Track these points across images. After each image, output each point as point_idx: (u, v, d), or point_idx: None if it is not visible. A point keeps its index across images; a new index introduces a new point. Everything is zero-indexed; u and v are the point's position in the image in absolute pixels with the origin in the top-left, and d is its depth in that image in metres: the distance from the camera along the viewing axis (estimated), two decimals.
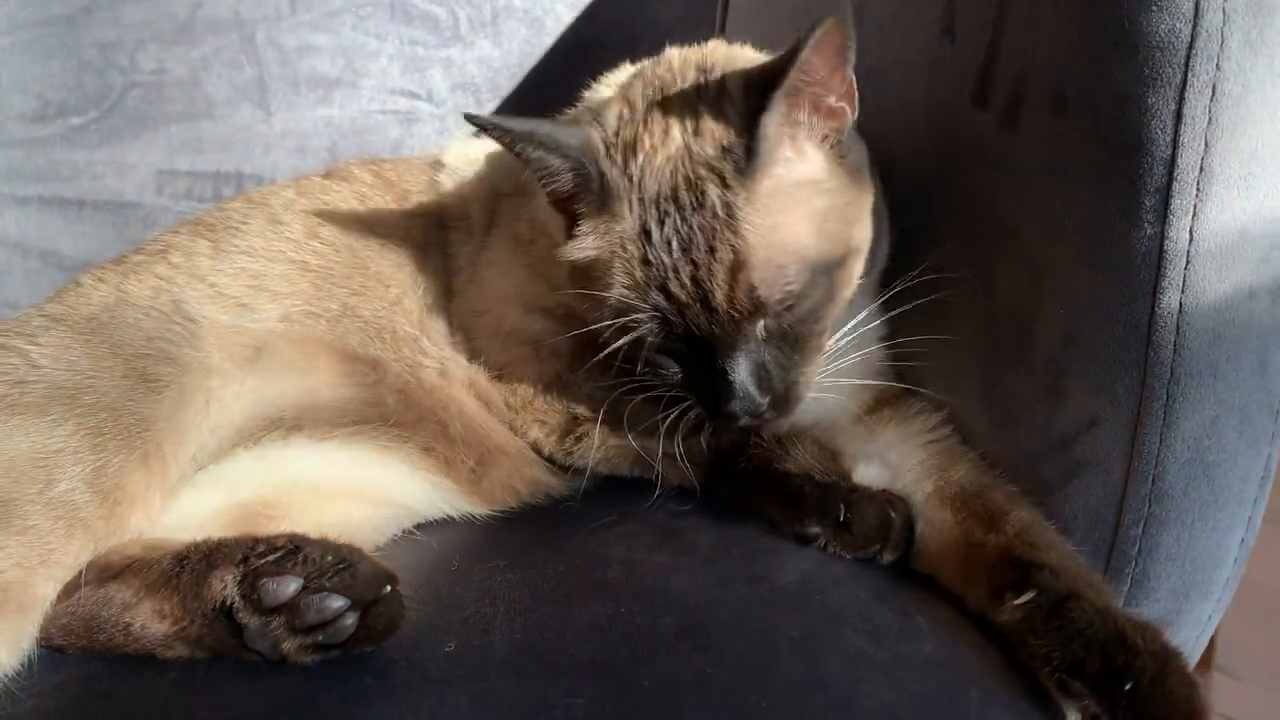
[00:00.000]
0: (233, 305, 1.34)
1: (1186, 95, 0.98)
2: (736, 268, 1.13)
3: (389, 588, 0.97)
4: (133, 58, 1.84)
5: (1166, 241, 1.01)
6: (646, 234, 1.16)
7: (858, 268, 1.22)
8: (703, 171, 1.15)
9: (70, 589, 1.06)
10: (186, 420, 1.20)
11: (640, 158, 1.18)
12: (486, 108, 2.01)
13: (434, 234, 1.46)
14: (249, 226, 1.42)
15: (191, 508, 1.21)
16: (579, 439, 1.36)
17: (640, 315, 1.17)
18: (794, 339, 1.19)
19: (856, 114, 1.20)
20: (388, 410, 1.32)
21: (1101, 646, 0.97)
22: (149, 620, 1.01)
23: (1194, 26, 0.97)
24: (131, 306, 1.30)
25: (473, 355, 1.39)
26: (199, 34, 1.86)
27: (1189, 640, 1.14)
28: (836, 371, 1.25)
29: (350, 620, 0.94)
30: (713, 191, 1.14)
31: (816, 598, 1.09)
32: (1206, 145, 0.99)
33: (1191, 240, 1.01)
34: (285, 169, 1.92)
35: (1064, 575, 1.04)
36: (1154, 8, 0.98)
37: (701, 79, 1.22)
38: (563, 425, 1.37)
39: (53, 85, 1.81)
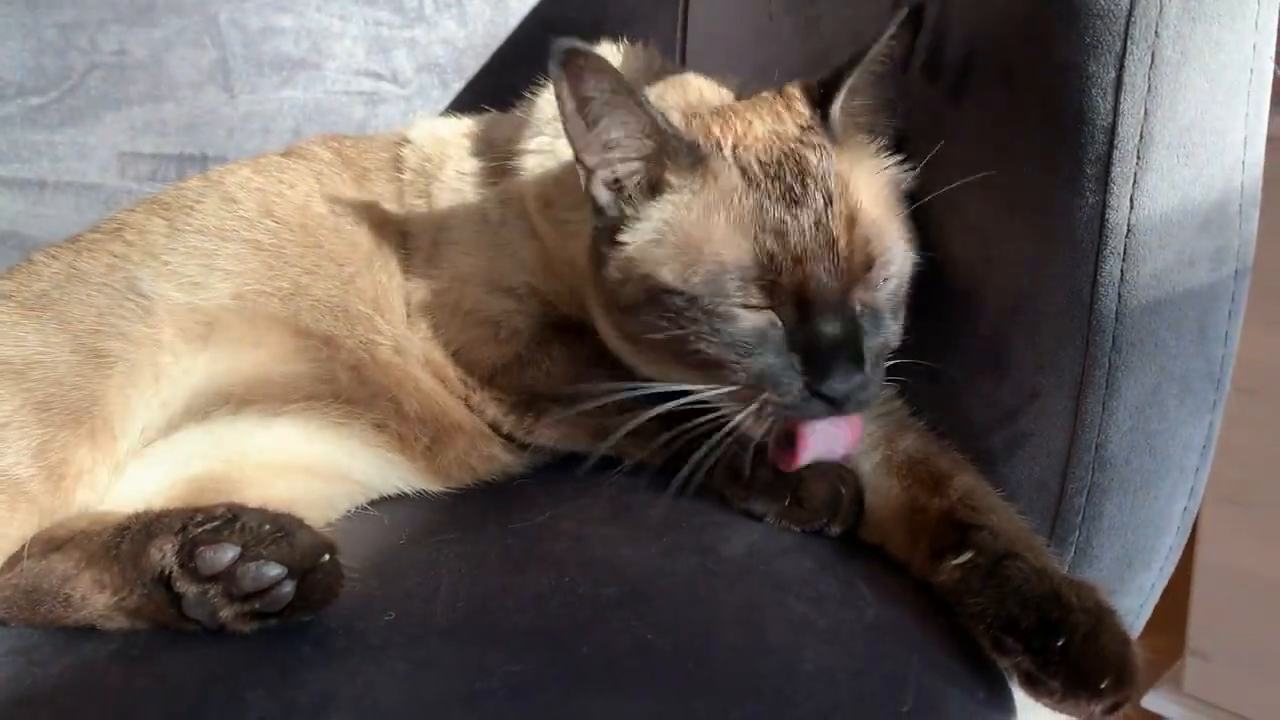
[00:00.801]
0: (186, 283, 1.33)
1: (1126, 63, 0.99)
2: (852, 221, 1.13)
3: (327, 556, 0.96)
4: (93, 38, 1.83)
5: (1108, 210, 1.02)
6: (756, 186, 1.14)
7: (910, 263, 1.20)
8: (795, 145, 1.16)
9: (13, 562, 1.06)
10: (135, 396, 1.21)
11: (730, 136, 1.18)
12: (451, 89, 2.00)
13: (391, 213, 1.46)
14: (203, 205, 1.42)
15: (141, 482, 1.21)
16: (537, 416, 1.35)
17: (744, 268, 1.11)
18: (881, 324, 1.15)
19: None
20: (340, 387, 1.32)
21: (1036, 604, 0.97)
22: (89, 591, 1.00)
23: None
24: (84, 283, 1.30)
25: (430, 334, 1.39)
26: (161, 15, 1.85)
27: (1133, 608, 1.15)
28: None
29: (287, 588, 0.94)
30: (812, 157, 1.15)
31: (762, 568, 1.09)
32: (1146, 113, 0.99)
33: (1132, 208, 1.01)
34: (250, 151, 1.90)
35: (1003, 536, 1.04)
36: None
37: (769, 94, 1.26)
38: (521, 403, 1.36)
39: (11, 66, 1.79)
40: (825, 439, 1.13)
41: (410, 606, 0.99)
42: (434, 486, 1.34)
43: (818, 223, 1.11)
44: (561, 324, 1.34)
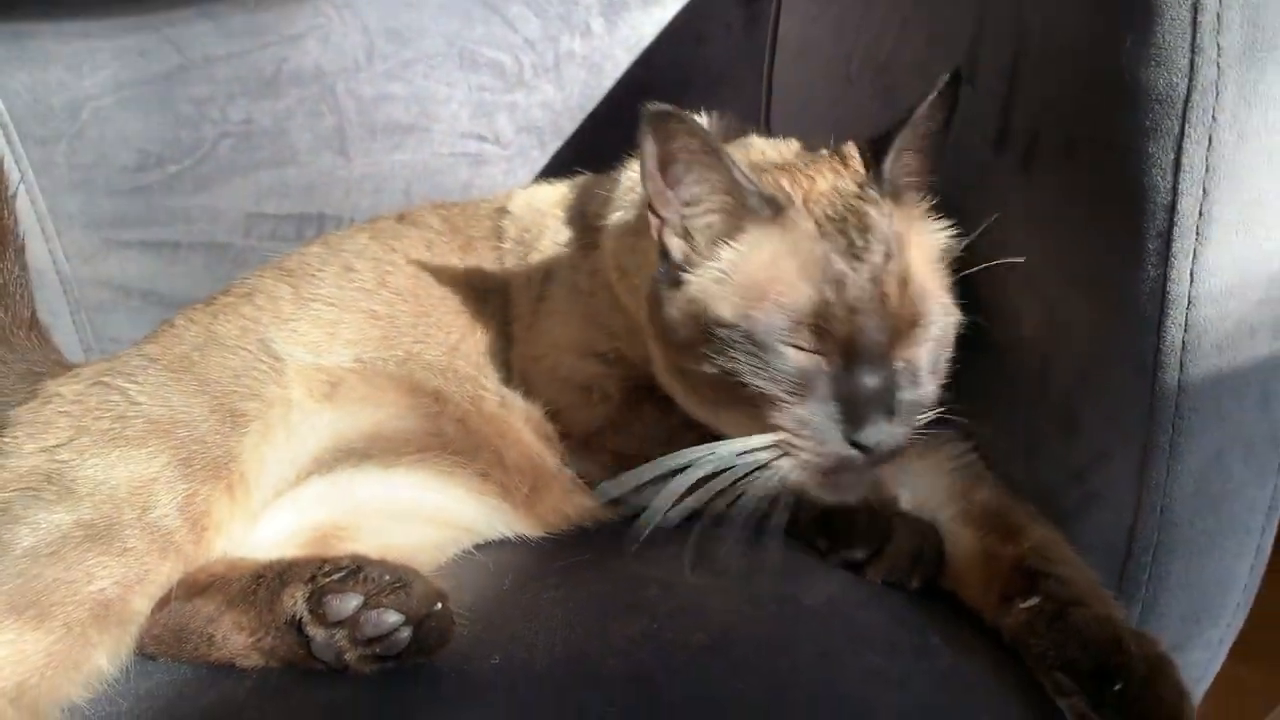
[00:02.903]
0: (313, 346, 1.46)
1: (1184, 145, 1.04)
2: (904, 280, 1.21)
3: (440, 605, 1.07)
4: (224, 110, 1.99)
5: (1169, 283, 1.06)
6: (826, 237, 1.22)
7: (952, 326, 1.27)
8: (856, 201, 1.26)
9: (162, 603, 1.18)
10: (269, 453, 1.32)
11: (799, 191, 1.28)
12: (549, 149, 2.12)
13: (494, 281, 1.57)
14: (325, 273, 1.55)
15: (271, 529, 1.32)
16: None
17: (802, 311, 1.19)
18: (917, 379, 1.23)
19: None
20: (448, 439, 1.42)
21: (1096, 648, 1.02)
22: (229, 632, 1.12)
23: (1189, 81, 1.02)
24: (220, 346, 1.43)
25: (530, 397, 1.49)
26: (284, 87, 2.00)
27: (1199, 663, 1.19)
28: None
29: (405, 634, 1.04)
30: (873, 212, 1.24)
31: (839, 618, 1.16)
32: (1205, 192, 1.04)
33: (1193, 282, 1.06)
34: (364, 209, 2.05)
35: (1071, 585, 1.10)
36: (1152, 62, 1.04)
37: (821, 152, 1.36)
38: (613, 467, 1.43)
39: (152, 138, 1.96)
40: (852, 477, 1.23)
41: (514, 651, 1.09)
42: (533, 532, 1.43)
43: (874, 278, 1.20)
44: (650, 389, 1.43)
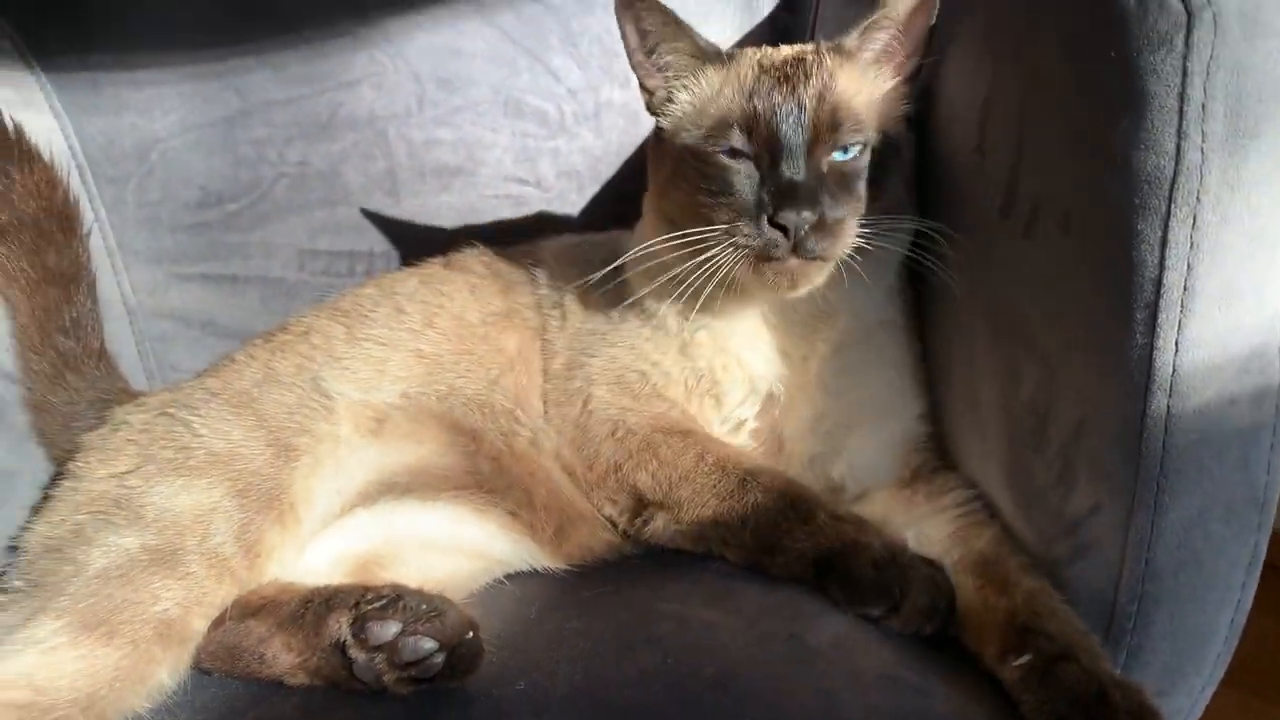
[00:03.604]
0: (362, 384, 1.57)
1: (1171, 224, 1.11)
2: (823, 94, 1.45)
3: (471, 634, 1.17)
4: (281, 152, 2.10)
5: (1155, 352, 1.13)
6: (764, 72, 1.48)
7: (893, 169, 1.50)
8: (807, 55, 1.51)
9: (218, 622, 1.29)
10: (317, 485, 1.43)
11: (759, 54, 1.55)
12: (587, 193, 2.21)
13: (531, 321, 1.68)
14: (377, 314, 1.66)
15: (318, 556, 1.43)
16: (646, 521, 1.52)
17: (733, 117, 1.46)
18: (846, 185, 1.43)
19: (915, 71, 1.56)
20: (482, 477, 1.53)
21: (1084, 702, 1.11)
22: (279, 652, 1.23)
23: (1176, 164, 1.10)
24: (277, 383, 1.54)
25: (560, 430, 1.59)
26: (339, 131, 2.11)
27: (1182, 709, 1.25)
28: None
29: (439, 659, 1.15)
30: (812, 59, 1.49)
31: (844, 657, 1.23)
32: (1189, 268, 1.11)
33: (1177, 351, 1.13)
34: (411, 247, 2.14)
35: (1059, 640, 1.17)
36: (1142, 146, 1.11)
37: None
38: (632, 507, 1.54)
39: (214, 178, 2.07)
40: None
41: (538, 678, 1.18)
42: (558, 565, 1.53)
43: (794, 91, 1.45)
44: (671, 429, 1.52)
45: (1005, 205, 1.34)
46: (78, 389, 1.68)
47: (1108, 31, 1.13)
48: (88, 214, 1.90)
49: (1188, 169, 1.09)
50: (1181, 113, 1.09)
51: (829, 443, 1.57)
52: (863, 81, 1.51)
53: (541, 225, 2.15)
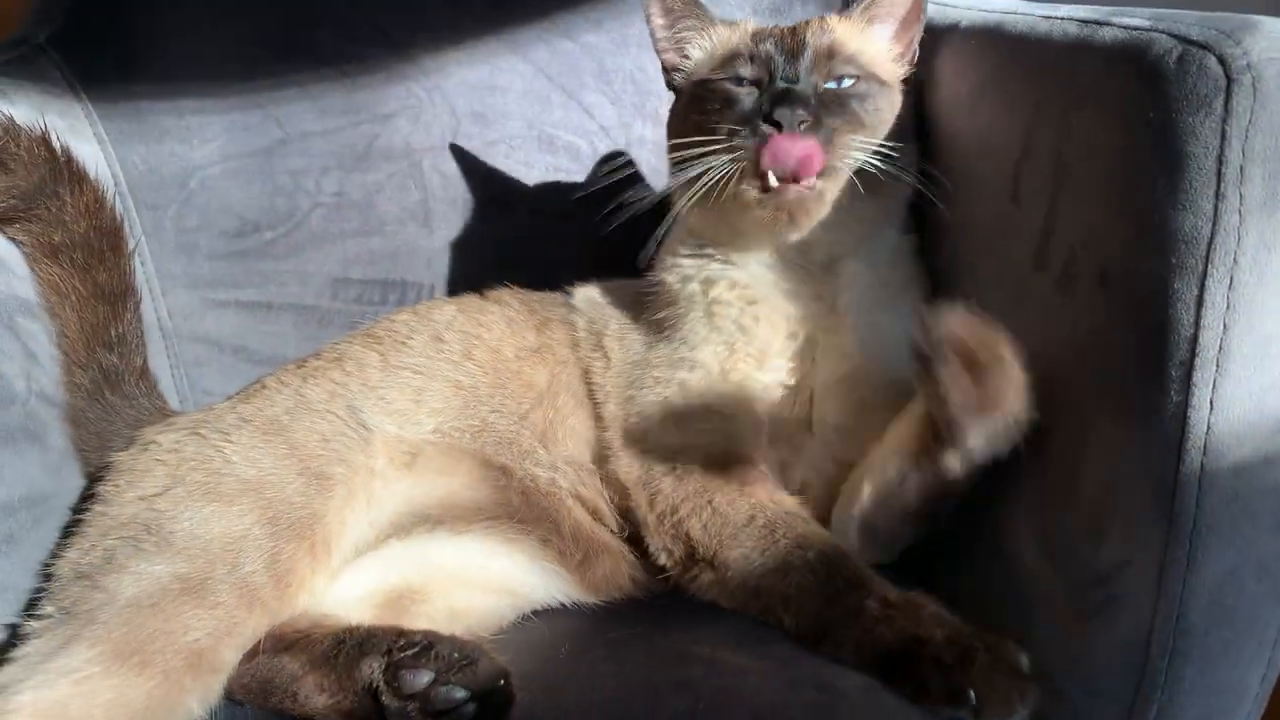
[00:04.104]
0: (398, 416, 1.58)
1: (1207, 283, 1.12)
2: (823, 33, 1.60)
3: (503, 681, 1.18)
4: (318, 182, 2.13)
5: (1190, 409, 1.14)
6: (761, 32, 1.65)
7: (886, 108, 1.60)
8: (812, 21, 1.65)
9: (251, 654, 1.30)
10: (350, 516, 1.44)
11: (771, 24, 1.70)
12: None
13: (567, 360, 1.70)
14: (413, 343, 1.67)
15: (350, 588, 1.44)
16: (694, 579, 1.49)
17: (738, 51, 1.61)
18: (841, 104, 1.53)
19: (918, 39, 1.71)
20: (514, 509, 1.54)
21: None
22: (311, 691, 1.24)
23: (1213, 225, 1.11)
24: (309, 411, 1.55)
25: (627, 470, 1.57)
26: (374, 162, 2.14)
27: None
28: None
29: (470, 708, 1.16)
30: (817, 21, 1.64)
31: (875, 704, 1.24)
32: (1225, 327, 1.12)
33: (1212, 409, 1.13)
34: (443, 277, 2.18)
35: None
36: (1179, 206, 1.13)
37: None
38: (683, 560, 1.50)
39: (251, 206, 2.10)
40: (780, 149, 1.45)
41: None
42: (588, 599, 1.54)
43: (795, 32, 1.61)
44: (726, 466, 1.51)
45: (1038, 255, 1.36)
46: (116, 407, 1.69)
47: (1148, 92, 1.15)
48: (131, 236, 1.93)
49: (1225, 230, 1.10)
50: (1220, 175, 1.10)
51: (856, 416, 1.56)
52: (862, 37, 1.65)
53: (573, 259, 2.17)
